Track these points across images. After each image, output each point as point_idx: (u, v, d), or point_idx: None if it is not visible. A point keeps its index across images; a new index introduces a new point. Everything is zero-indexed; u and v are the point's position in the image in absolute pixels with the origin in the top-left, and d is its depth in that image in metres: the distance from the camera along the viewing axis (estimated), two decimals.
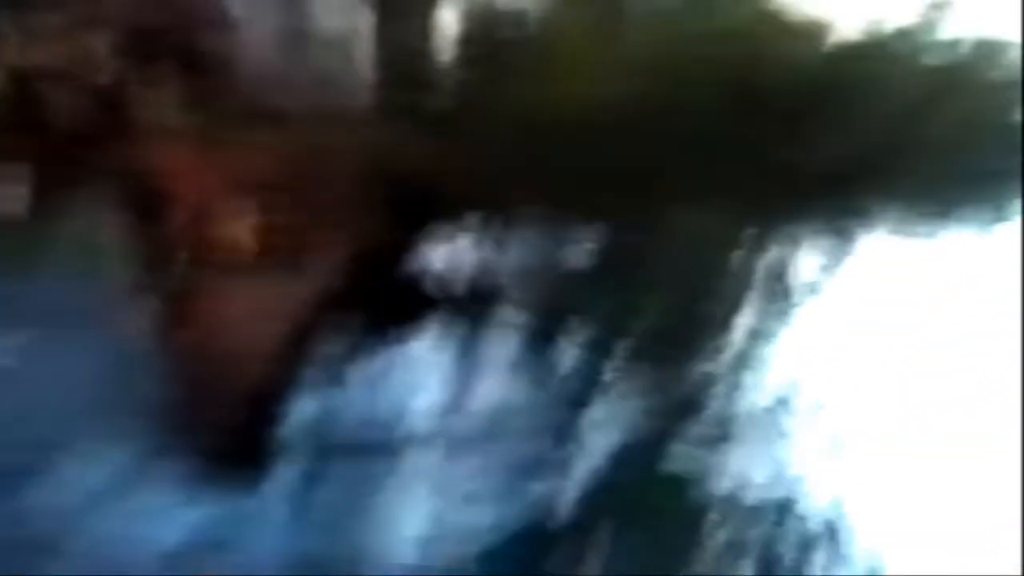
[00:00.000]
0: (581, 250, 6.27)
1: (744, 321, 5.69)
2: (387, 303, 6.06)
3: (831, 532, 5.34)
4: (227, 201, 5.59)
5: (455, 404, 6.27)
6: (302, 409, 5.61)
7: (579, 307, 6.03)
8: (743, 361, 5.72)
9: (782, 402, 5.72)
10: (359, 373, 5.93)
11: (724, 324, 5.77)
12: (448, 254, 6.52)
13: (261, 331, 6.02)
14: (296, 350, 5.85)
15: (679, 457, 5.63)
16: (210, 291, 5.67)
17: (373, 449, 5.93)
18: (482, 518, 5.65)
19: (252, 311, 5.94)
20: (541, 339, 6.09)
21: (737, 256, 5.81)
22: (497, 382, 6.20)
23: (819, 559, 5.20)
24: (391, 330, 6.09)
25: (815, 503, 5.50)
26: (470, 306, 6.17)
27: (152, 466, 5.15)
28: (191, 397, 5.39)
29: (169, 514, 5.00)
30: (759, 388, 5.72)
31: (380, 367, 6.07)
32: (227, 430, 5.49)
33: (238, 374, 5.62)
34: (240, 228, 5.72)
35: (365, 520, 5.70)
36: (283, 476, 5.44)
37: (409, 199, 5.99)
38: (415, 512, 5.81)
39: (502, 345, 6.13)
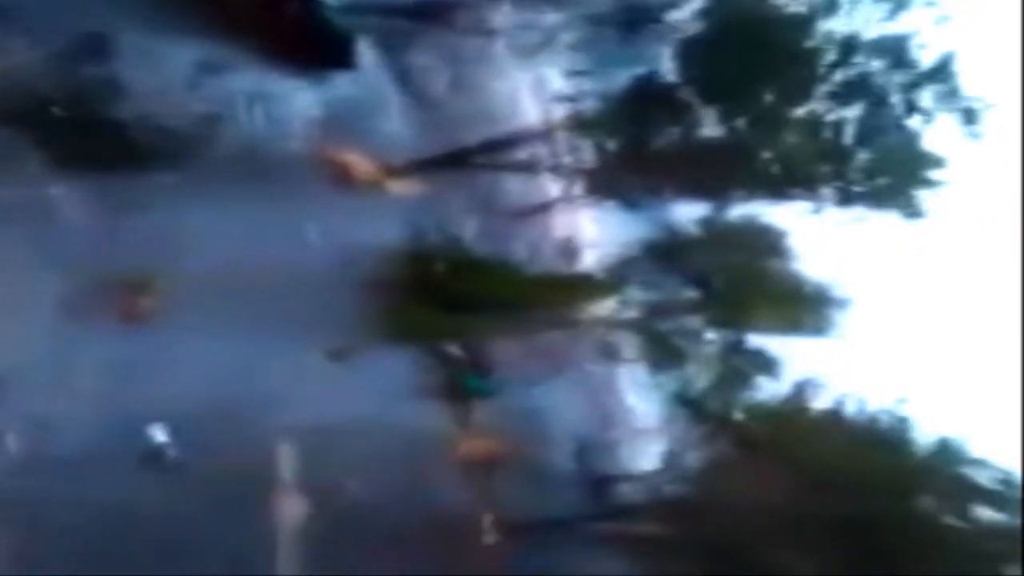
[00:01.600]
0: None
1: None
2: None
3: (941, 71, 5.35)
4: None
5: None
6: None
7: None
8: None
9: None
10: None
11: None
12: None
13: None
14: None
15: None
16: None
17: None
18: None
19: None
20: None
21: None
22: None
23: (927, 96, 5.31)
24: None
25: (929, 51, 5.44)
26: None
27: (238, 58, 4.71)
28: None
29: (292, 96, 4.64)
30: None
31: None
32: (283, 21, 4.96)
33: None
34: None
35: (466, 84, 5.25)
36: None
37: None
38: (507, 72, 5.29)
39: None
